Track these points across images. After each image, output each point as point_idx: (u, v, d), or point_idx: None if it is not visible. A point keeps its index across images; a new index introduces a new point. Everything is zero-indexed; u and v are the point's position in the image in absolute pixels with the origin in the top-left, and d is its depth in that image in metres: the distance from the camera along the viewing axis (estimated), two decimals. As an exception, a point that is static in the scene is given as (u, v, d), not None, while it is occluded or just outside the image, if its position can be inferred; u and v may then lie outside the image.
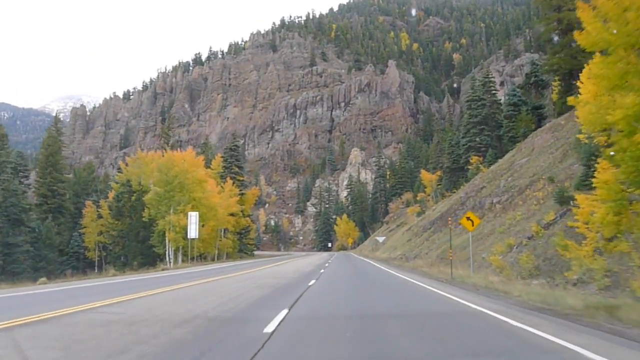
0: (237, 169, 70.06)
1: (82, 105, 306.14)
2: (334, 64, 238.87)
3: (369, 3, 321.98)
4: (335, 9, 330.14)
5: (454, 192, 60.62)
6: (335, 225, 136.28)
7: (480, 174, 48.26)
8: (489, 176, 44.37)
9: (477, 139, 60.36)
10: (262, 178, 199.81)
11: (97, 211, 69.37)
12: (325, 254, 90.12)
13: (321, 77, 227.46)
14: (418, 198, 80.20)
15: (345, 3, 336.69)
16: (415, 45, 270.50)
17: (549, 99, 49.70)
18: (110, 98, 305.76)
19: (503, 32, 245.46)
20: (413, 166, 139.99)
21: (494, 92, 65.80)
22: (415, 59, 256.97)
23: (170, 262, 43.57)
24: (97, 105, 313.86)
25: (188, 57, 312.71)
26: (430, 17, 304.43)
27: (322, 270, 31.50)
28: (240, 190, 67.07)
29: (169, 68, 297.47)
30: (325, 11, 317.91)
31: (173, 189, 45.75)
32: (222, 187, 63.24)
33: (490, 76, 70.07)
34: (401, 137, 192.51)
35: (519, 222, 28.45)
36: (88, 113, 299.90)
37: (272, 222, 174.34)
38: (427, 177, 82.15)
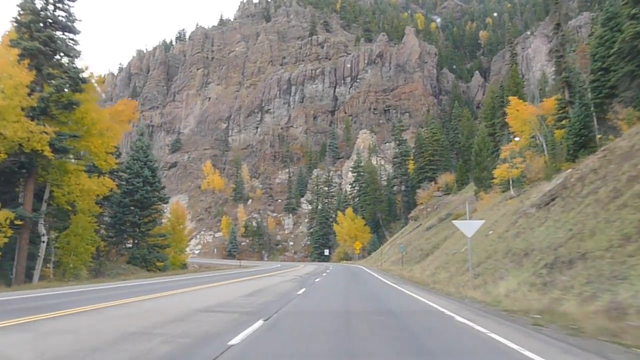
0: (57, 41, 26.39)
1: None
2: (338, 34, 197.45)
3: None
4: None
5: None
6: (335, 225, 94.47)
7: None
8: None
9: None
10: (244, 167, 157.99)
11: None
12: (310, 269, 48.70)
13: (322, 47, 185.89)
14: (502, 156, 38.15)
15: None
16: (433, 25, 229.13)
17: None
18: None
19: (541, 3, 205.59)
20: (448, 142, 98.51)
21: None
22: (436, 36, 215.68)
23: None
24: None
25: (172, 36, 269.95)
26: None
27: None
28: (55, 88, 24.38)
29: (150, 48, 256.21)
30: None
31: None
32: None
33: None
34: (421, 120, 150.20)
35: None
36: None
37: (254, 223, 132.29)
38: (526, 111, 39.38)
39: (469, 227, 18.44)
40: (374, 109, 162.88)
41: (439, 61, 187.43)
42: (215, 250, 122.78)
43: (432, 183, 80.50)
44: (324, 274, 33.64)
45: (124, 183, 40.35)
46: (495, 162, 58.90)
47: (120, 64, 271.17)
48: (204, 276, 32.36)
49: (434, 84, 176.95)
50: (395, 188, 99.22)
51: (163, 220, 52.98)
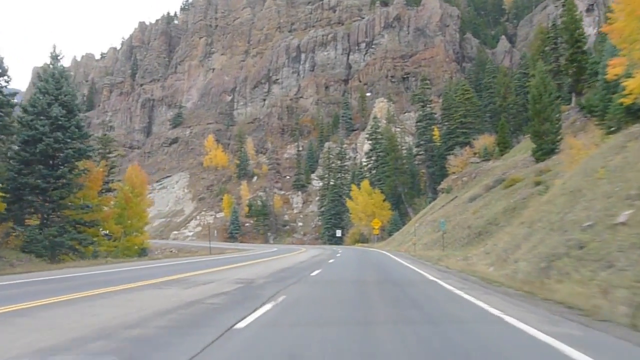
0: None
1: (45, 64, 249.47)
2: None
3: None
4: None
5: None
6: (348, 201, 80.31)
7: None
8: None
9: None
10: (249, 141, 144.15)
11: None
12: (307, 256, 33.87)
13: (334, 12, 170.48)
14: (610, 75, 23.88)
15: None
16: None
17: None
18: (82, 57, 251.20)
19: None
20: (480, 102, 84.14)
21: None
22: (457, 2, 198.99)
23: None
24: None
25: (177, 8, 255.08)
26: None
27: None
28: None
29: (153, 21, 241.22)
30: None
31: None
32: None
33: None
34: (443, 88, 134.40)
35: None
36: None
37: (259, 202, 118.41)
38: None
39: None
40: (392, 77, 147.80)
41: (462, 27, 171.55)
42: (215, 232, 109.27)
43: (467, 148, 66.18)
44: (317, 272, 18.49)
45: (24, 129, 26.61)
46: (557, 112, 44.60)
47: (122, 37, 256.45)
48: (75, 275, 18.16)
49: (457, 49, 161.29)
50: (418, 157, 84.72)
51: (116, 191, 39.43)
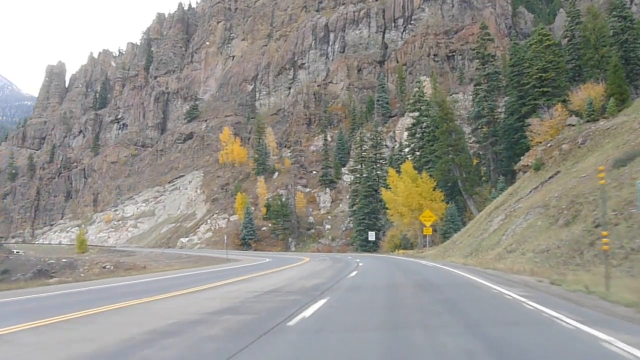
0: None
1: (59, 62, 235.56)
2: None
3: None
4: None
5: None
6: (384, 191, 59.59)
7: None
8: None
9: None
10: (269, 132, 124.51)
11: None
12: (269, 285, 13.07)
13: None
14: None
15: None
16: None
17: None
18: (99, 54, 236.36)
19: None
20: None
21: None
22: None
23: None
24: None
25: None
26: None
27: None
28: None
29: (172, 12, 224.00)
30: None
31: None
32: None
33: None
34: (495, 66, 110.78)
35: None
36: (74, 73, 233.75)
37: (279, 202, 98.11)
38: None
39: None
40: (434, 55, 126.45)
41: (513, 2, 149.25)
42: (225, 237, 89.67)
43: (558, 107, 45.00)
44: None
45: None
46: None
47: (142, 32, 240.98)
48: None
49: (509, 24, 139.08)
50: (478, 133, 63.21)
51: None
